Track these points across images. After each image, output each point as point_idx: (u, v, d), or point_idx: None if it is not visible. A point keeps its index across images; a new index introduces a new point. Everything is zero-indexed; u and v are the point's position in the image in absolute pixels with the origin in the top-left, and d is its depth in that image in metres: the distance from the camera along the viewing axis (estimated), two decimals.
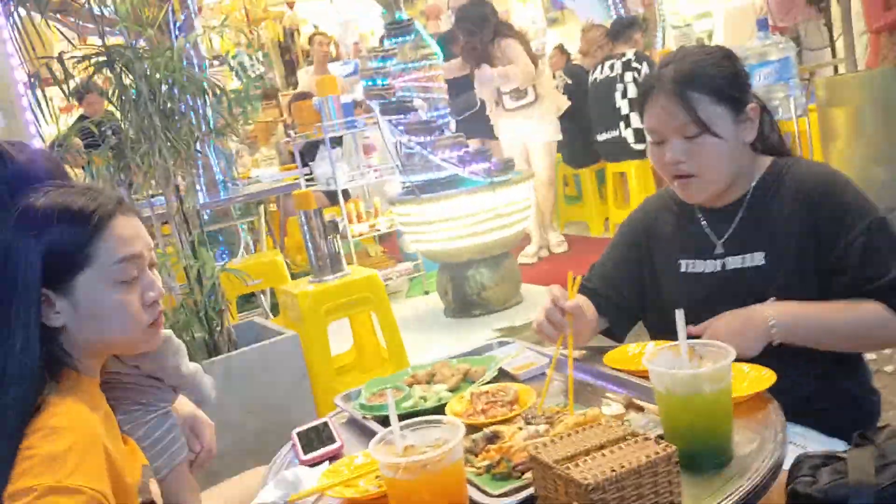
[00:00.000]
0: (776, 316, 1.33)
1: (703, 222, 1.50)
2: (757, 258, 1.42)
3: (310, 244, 2.83)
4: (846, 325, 1.34)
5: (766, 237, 1.42)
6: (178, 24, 3.55)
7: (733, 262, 1.45)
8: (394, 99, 4.05)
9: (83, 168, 2.81)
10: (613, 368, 1.42)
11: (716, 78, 1.38)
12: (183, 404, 1.55)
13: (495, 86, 4.91)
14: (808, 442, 1.33)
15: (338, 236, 2.85)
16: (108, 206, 1.11)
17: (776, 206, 1.42)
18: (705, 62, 1.40)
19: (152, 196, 2.78)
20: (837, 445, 1.33)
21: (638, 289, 1.60)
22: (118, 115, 2.65)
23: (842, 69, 5.34)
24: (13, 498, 0.92)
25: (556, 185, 5.56)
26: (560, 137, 5.11)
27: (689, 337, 1.13)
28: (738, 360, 1.10)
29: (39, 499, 0.92)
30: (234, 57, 7.23)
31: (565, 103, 5.14)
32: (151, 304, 1.15)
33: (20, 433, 0.98)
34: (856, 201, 1.37)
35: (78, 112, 6.26)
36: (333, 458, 1.31)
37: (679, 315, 1.13)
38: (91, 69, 2.58)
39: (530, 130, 4.98)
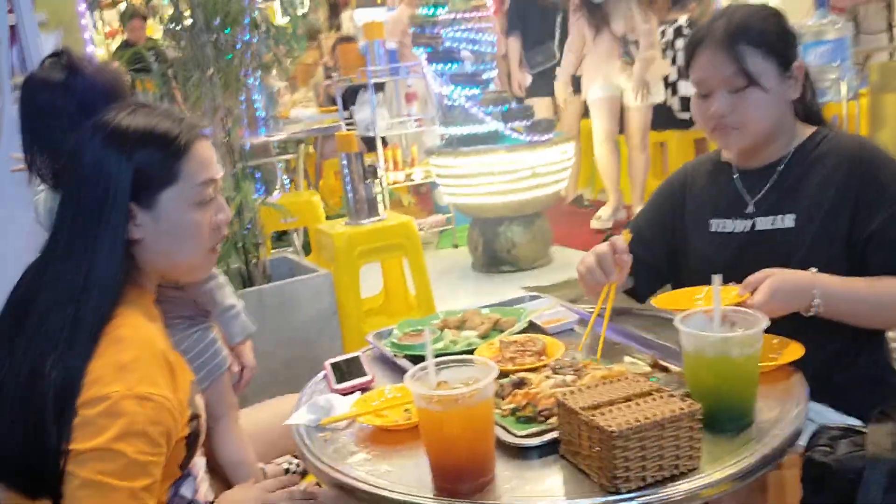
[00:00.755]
0: (822, 292, 1.30)
1: (738, 181, 1.52)
2: (787, 220, 1.43)
3: (349, 186, 2.87)
4: (887, 303, 1.34)
5: (800, 200, 1.42)
6: None
7: (763, 222, 1.46)
8: (441, 48, 4.04)
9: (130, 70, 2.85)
10: (662, 309, 1.43)
11: (764, 32, 1.40)
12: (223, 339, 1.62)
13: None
14: (825, 420, 1.35)
15: (377, 180, 2.89)
16: (192, 130, 1.17)
17: (813, 172, 1.43)
18: (754, 17, 1.42)
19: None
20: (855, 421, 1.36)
21: (668, 249, 1.62)
22: (166, 42, 2.69)
23: None
24: (87, 405, 0.99)
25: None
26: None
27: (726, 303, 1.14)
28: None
29: (113, 405, 0.98)
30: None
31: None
32: (217, 227, 1.21)
33: (96, 338, 1.04)
34: (894, 173, 1.37)
35: (121, 38, 6.30)
36: (364, 389, 1.37)
37: (716, 280, 1.15)
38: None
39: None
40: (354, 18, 10.75)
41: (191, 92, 2.56)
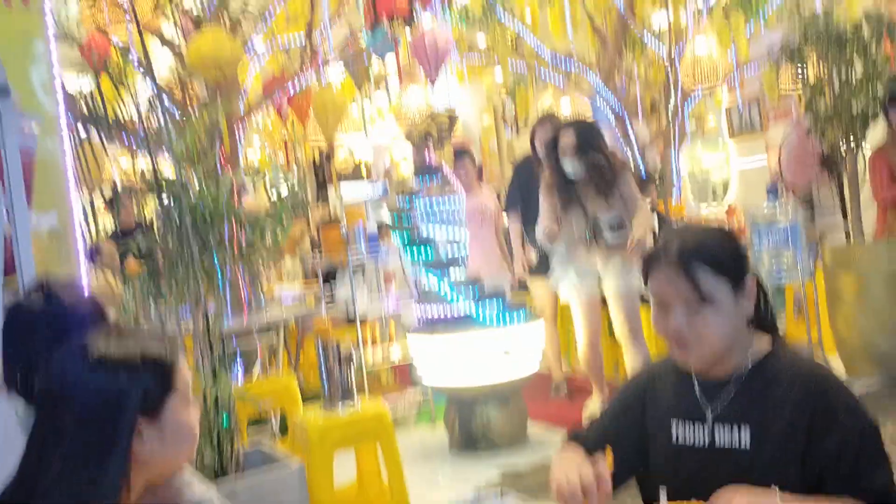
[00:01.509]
0: None
1: (697, 391, 1.56)
2: (744, 436, 1.47)
3: (324, 374, 2.95)
4: None
5: (756, 418, 1.47)
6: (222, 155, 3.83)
7: (720, 435, 1.50)
8: (416, 236, 4.26)
9: (118, 271, 2.98)
10: None
11: (716, 252, 1.50)
12: None
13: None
14: None
15: (352, 368, 2.98)
16: (175, 342, 1.32)
17: (769, 390, 1.48)
18: (707, 238, 1.53)
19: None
20: None
21: (629, 450, 1.63)
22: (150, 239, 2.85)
23: (852, 235, 5.51)
24: None
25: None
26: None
27: None
28: None
29: None
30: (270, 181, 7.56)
31: None
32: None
33: None
34: (850, 405, 1.43)
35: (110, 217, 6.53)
36: None
37: (662, 492, 1.21)
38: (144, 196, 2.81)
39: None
40: (340, 191, 11.28)
41: (174, 287, 2.69)
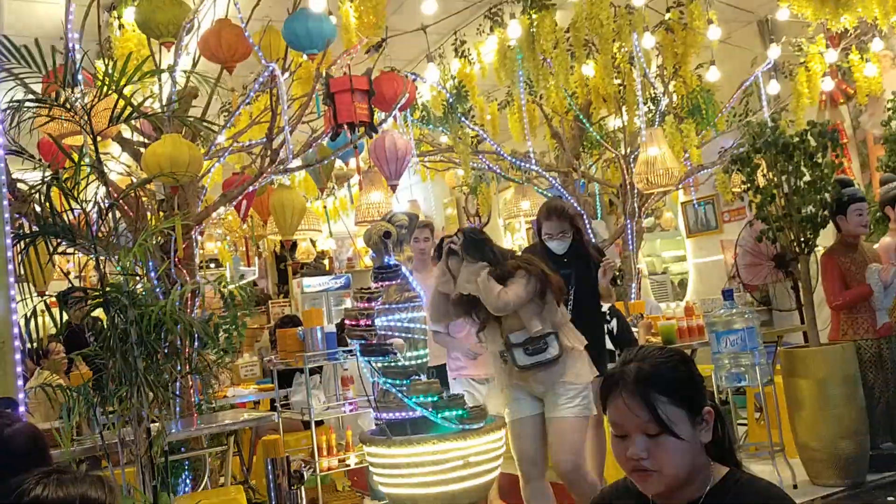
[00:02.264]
0: None
1: None
2: None
3: (272, 493, 2.82)
4: None
5: None
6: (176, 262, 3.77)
7: None
8: (374, 340, 4.19)
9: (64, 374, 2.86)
10: None
11: (674, 381, 1.50)
12: None
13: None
14: None
15: (302, 487, 2.85)
16: (113, 492, 1.25)
17: None
18: (664, 365, 1.53)
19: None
20: None
21: None
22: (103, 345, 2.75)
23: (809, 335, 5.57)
24: None
25: None
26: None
27: None
28: None
29: None
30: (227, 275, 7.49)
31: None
32: None
33: None
34: None
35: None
36: None
37: None
38: (87, 308, 2.73)
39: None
40: (303, 286, 11.21)
41: (118, 403, 2.59)
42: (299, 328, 4.92)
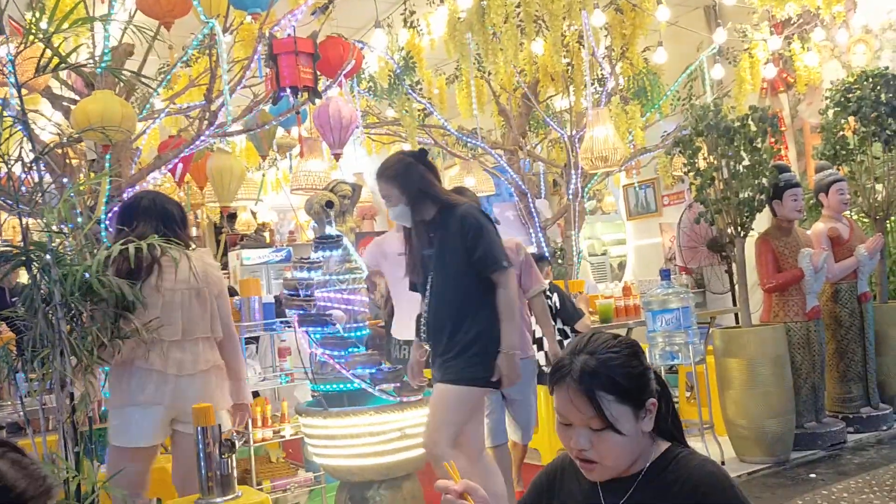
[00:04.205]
0: None
1: (601, 491, 1.59)
2: None
3: (202, 463, 2.74)
4: None
5: None
6: (106, 222, 3.62)
7: None
8: (313, 311, 4.12)
9: None
10: None
11: (621, 379, 1.50)
12: None
13: None
14: None
15: (233, 456, 2.78)
16: (45, 495, 1.17)
17: (663, 492, 1.51)
18: (612, 361, 1.51)
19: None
20: None
21: None
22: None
23: (741, 317, 5.71)
24: None
25: None
26: None
27: None
28: None
29: None
30: None
31: None
32: None
33: None
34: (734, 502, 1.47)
35: None
36: None
37: None
38: (8, 267, 2.59)
39: None
40: (242, 258, 10.97)
41: (40, 365, 2.47)
42: (236, 297, 4.81)
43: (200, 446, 2.75)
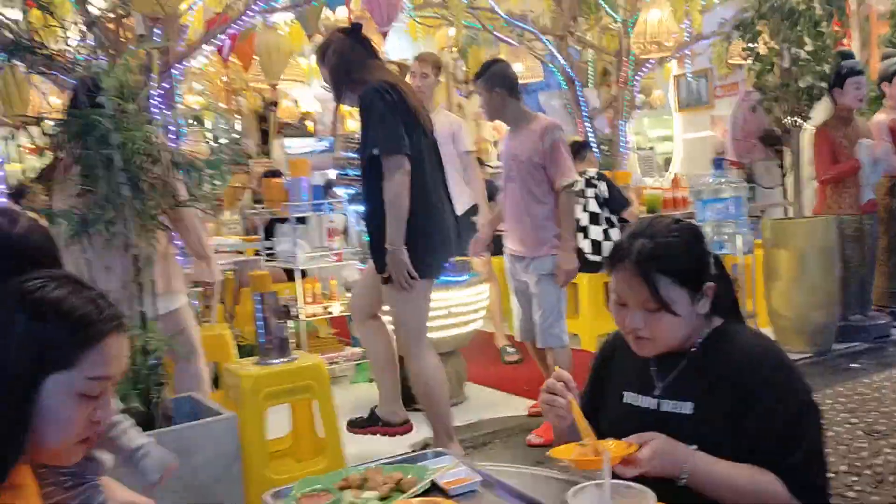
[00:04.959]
0: (692, 468, 1.41)
1: (652, 365, 1.60)
2: (686, 408, 1.51)
3: (260, 326, 2.85)
4: (746, 492, 1.41)
5: (699, 391, 1.51)
6: (160, 94, 3.64)
7: (666, 405, 1.55)
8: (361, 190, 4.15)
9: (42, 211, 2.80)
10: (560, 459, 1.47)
11: (680, 263, 1.49)
12: (117, 490, 1.55)
13: None
14: None
15: (289, 321, 2.88)
16: (109, 322, 1.13)
17: (715, 367, 1.52)
18: (672, 245, 1.50)
19: None
20: None
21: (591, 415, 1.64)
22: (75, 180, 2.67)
23: (791, 210, 5.62)
24: None
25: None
26: None
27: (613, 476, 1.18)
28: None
29: None
30: (209, 122, 7.30)
31: None
32: (93, 423, 1.15)
33: None
34: (786, 382, 1.47)
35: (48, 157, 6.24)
36: None
37: (606, 457, 1.19)
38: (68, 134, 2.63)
39: None
40: (284, 146, 10.98)
41: (105, 230, 2.53)
42: (286, 177, 4.86)
43: (259, 311, 2.85)
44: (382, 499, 1.51)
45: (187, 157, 2.81)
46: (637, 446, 1.41)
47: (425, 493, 1.53)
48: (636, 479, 1.18)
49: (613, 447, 1.40)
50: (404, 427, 3.34)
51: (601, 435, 1.59)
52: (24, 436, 1.06)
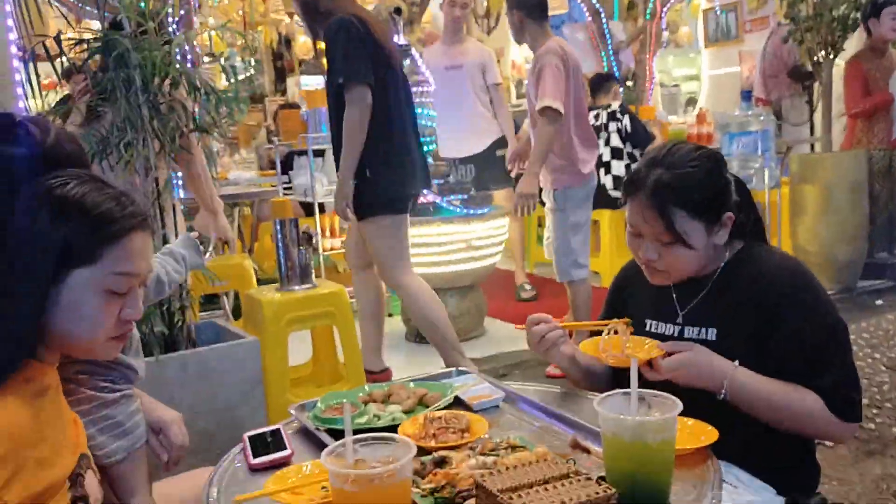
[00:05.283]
0: (731, 384, 1.38)
1: (674, 292, 1.57)
2: (710, 333, 1.49)
3: (281, 252, 2.84)
4: (787, 409, 1.39)
5: (722, 316, 1.48)
6: (176, 20, 3.57)
7: (689, 332, 1.52)
8: None
9: None
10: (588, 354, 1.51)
11: (698, 195, 1.44)
12: (146, 399, 1.57)
13: None
14: (743, 486, 1.38)
15: (310, 248, 2.87)
16: (133, 218, 1.13)
17: (738, 290, 1.48)
18: (689, 176, 1.44)
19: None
20: (771, 496, 1.39)
21: None
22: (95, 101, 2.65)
23: (818, 147, 5.50)
24: None
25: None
26: None
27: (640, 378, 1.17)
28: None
29: None
30: (226, 58, 7.21)
31: None
32: (124, 321, 1.15)
33: None
34: (814, 303, 1.43)
35: (63, 92, 6.21)
36: (282, 464, 1.33)
37: (633, 363, 1.17)
38: (86, 53, 2.59)
39: None
40: (300, 84, 10.86)
41: (124, 151, 2.52)
42: (303, 109, 4.80)
43: (279, 237, 2.84)
44: (406, 412, 1.51)
45: (205, 79, 2.77)
46: (662, 352, 1.40)
47: (448, 407, 1.53)
48: (675, 392, 1.16)
49: (645, 348, 1.41)
50: (384, 374, 3.42)
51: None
52: (36, 324, 1.07)
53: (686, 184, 1.43)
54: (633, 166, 1.53)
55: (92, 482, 1.16)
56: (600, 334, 1.53)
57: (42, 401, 1.08)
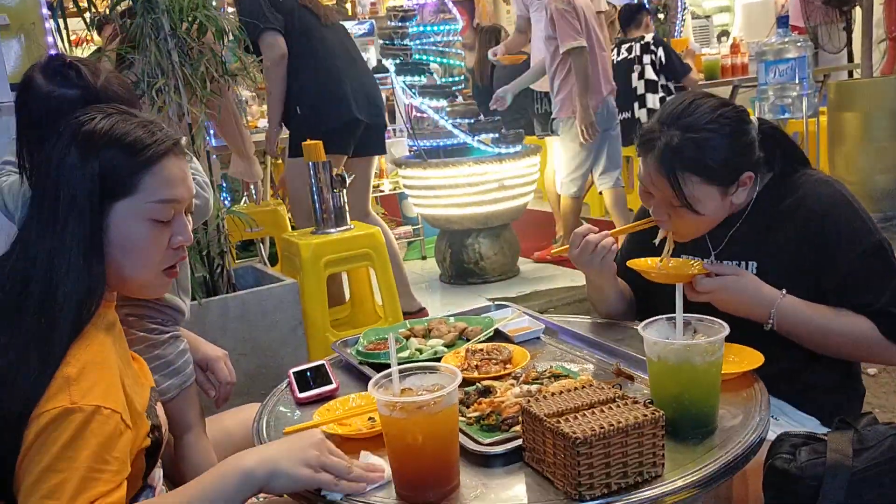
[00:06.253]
0: (778, 312, 1.36)
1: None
2: (751, 267, 1.45)
3: (315, 196, 2.85)
4: (837, 335, 1.36)
5: (761, 249, 1.44)
6: None
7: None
8: (410, 60, 4.05)
9: None
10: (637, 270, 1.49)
11: (713, 161, 1.36)
12: (193, 339, 1.61)
13: None
14: (787, 417, 1.38)
15: (344, 191, 2.87)
16: (164, 143, 1.12)
17: (775, 220, 1.44)
18: (706, 142, 1.36)
19: None
20: (815, 425, 1.38)
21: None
22: (124, 49, 2.64)
23: (857, 74, 5.33)
24: (36, 419, 0.94)
25: None
26: None
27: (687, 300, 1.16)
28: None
29: (56, 420, 0.93)
30: None
31: None
32: (177, 248, 1.15)
33: (63, 355, 0.99)
34: (856, 224, 1.38)
35: (93, 46, 6.21)
36: (328, 398, 1.35)
37: (678, 288, 1.16)
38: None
39: None
40: None
41: (156, 97, 2.52)
42: None
43: (313, 180, 2.84)
44: (447, 346, 1.52)
45: (234, 23, 2.75)
46: (706, 271, 1.39)
47: (489, 340, 1.53)
48: (724, 318, 1.15)
49: (693, 266, 1.43)
50: (421, 314, 3.64)
51: (647, 293, 1.57)
52: (101, 266, 1.07)
53: (700, 149, 1.36)
54: (648, 123, 1.46)
55: (162, 413, 1.20)
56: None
57: (113, 334, 1.11)
